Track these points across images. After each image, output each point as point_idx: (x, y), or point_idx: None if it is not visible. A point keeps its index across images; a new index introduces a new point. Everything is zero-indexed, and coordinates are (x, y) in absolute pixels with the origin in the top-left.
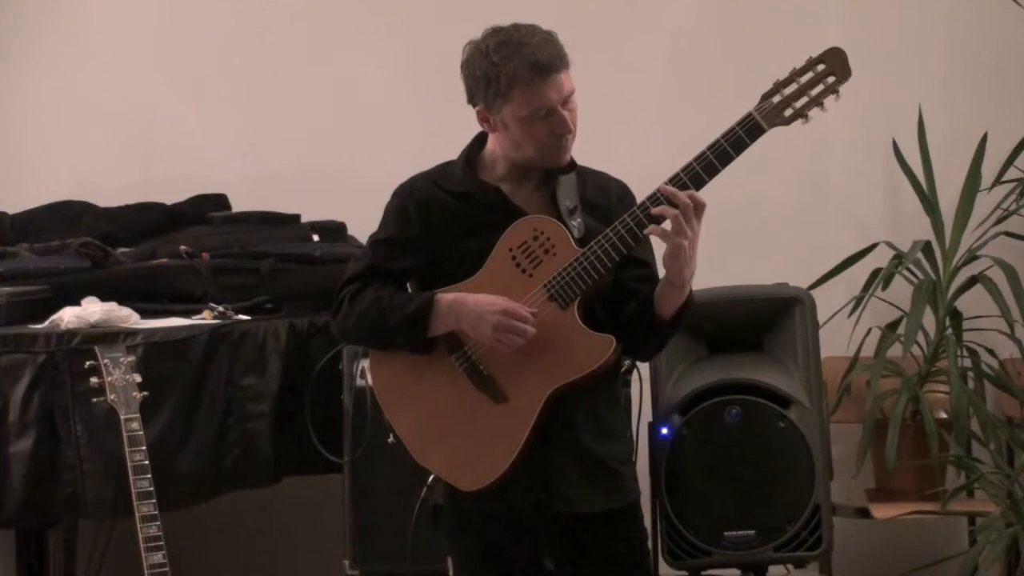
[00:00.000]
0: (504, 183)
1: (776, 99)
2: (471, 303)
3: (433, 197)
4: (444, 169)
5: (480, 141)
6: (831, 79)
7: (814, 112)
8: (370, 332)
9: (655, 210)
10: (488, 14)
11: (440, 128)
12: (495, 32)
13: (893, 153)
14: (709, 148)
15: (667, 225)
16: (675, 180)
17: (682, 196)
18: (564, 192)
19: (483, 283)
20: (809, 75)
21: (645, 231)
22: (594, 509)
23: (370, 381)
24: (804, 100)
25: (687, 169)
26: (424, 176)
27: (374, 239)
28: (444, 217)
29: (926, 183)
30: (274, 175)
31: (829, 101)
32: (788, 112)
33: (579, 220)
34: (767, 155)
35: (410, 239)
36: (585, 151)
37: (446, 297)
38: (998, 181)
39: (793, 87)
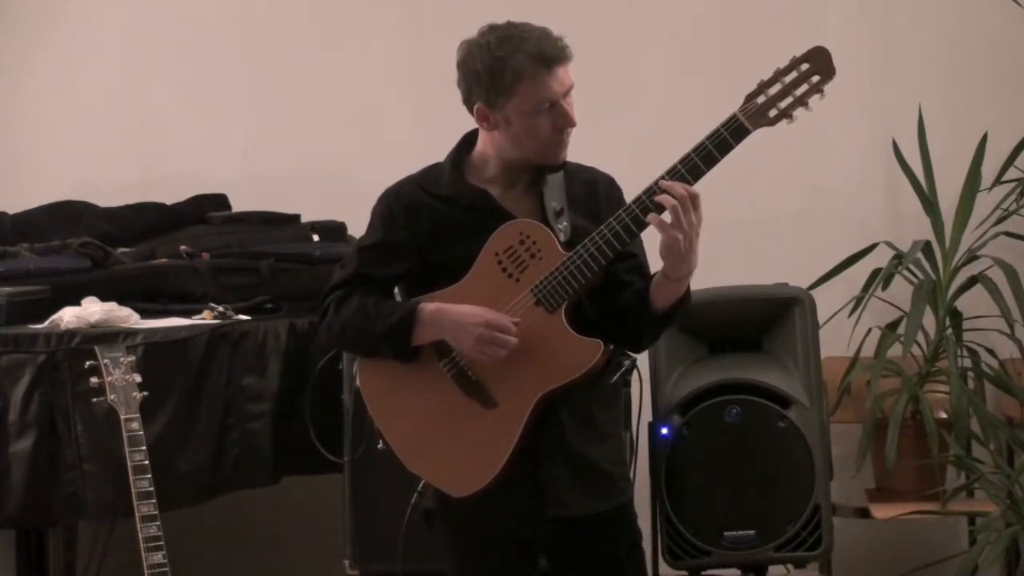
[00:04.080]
0: (493, 186)
1: (760, 99)
2: (454, 314)
3: (420, 202)
4: (430, 173)
5: (468, 143)
6: (815, 78)
7: (802, 112)
8: (355, 341)
9: (657, 198)
10: (489, 14)
11: (440, 128)
12: (493, 29)
13: (893, 153)
14: (694, 150)
15: (665, 217)
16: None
17: (679, 187)
18: (551, 193)
19: (469, 288)
20: (793, 75)
21: (648, 217)
22: (588, 511)
23: (360, 387)
24: (789, 100)
25: (672, 172)
26: (411, 180)
27: (360, 245)
28: (431, 222)
29: (926, 183)
30: (274, 175)
31: (824, 101)
32: (773, 112)
33: (566, 223)
34: (767, 155)
35: (397, 244)
36: (586, 150)
37: (429, 307)
38: (998, 181)
39: (777, 87)
